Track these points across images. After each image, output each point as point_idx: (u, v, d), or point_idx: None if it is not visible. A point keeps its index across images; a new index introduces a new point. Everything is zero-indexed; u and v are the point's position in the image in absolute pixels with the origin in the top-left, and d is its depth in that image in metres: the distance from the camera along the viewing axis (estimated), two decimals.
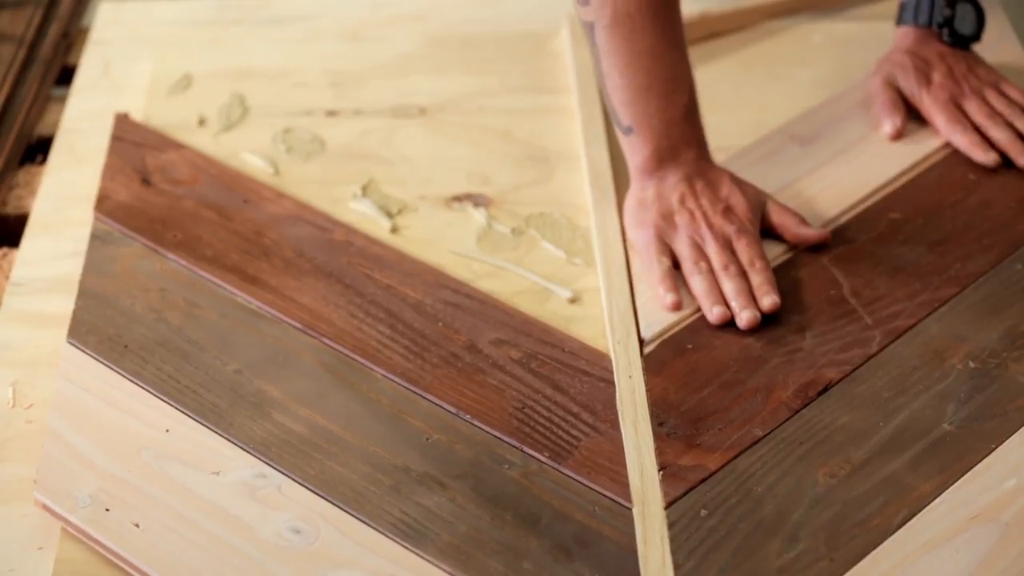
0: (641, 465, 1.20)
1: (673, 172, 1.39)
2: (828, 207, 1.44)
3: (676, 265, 1.37)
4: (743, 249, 1.36)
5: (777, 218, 1.40)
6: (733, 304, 1.32)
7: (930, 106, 1.52)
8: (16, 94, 1.67)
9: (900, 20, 1.58)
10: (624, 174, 1.48)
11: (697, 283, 1.34)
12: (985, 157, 1.47)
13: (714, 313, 1.32)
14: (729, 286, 1.33)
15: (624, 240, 1.41)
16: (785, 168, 1.49)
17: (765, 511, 1.16)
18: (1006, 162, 1.48)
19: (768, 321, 1.32)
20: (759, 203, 1.40)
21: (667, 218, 1.38)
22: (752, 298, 1.33)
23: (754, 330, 1.31)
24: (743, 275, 1.34)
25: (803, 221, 1.40)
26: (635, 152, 1.40)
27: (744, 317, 1.31)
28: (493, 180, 1.51)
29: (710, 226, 1.37)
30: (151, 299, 1.36)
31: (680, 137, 1.39)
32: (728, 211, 1.38)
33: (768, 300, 1.32)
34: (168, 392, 1.27)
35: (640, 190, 1.40)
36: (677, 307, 1.33)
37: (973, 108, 1.51)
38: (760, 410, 1.24)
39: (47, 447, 1.22)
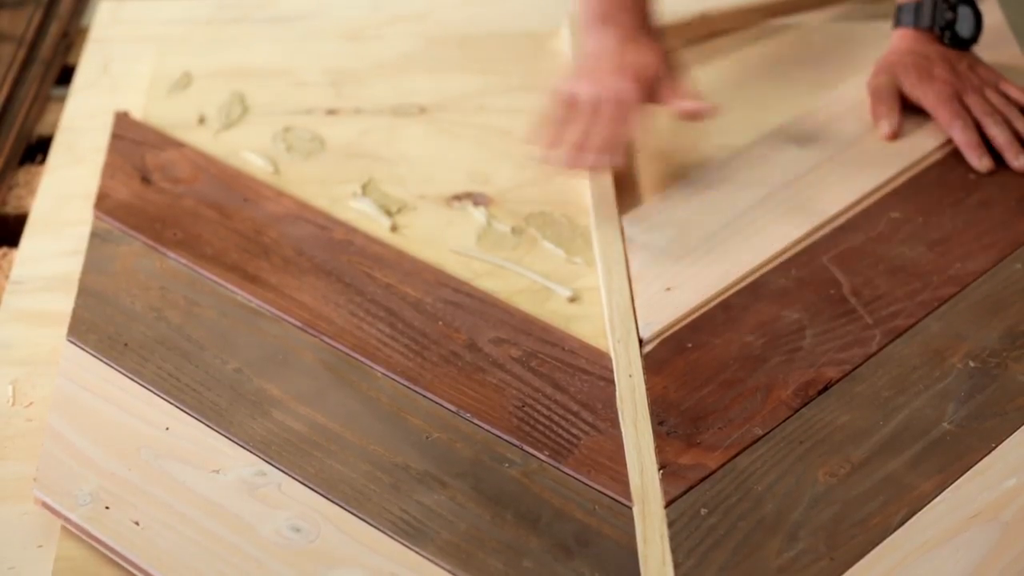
0: (641, 464, 1.20)
1: (609, 33, 1.48)
2: (828, 206, 1.44)
3: None
4: (606, 111, 1.44)
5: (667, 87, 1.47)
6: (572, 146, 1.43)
7: (933, 100, 1.51)
8: (16, 94, 1.66)
9: (898, 22, 1.58)
10: (623, 173, 1.48)
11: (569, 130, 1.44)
12: (979, 163, 1.48)
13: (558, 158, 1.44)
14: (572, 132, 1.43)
15: (624, 239, 1.41)
16: (785, 168, 1.49)
17: (765, 510, 1.16)
18: (1001, 161, 1.48)
19: (767, 320, 1.32)
20: (656, 68, 1.46)
21: (584, 73, 1.47)
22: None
23: (754, 329, 1.31)
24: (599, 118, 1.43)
25: (692, 93, 1.47)
26: (581, 5, 1.51)
27: (585, 162, 1.43)
28: (493, 179, 1.51)
29: (598, 80, 1.45)
30: (151, 297, 1.36)
31: (613, 3, 1.48)
32: (621, 70, 1.46)
33: (610, 159, 1.44)
34: (168, 390, 1.27)
35: (588, 43, 1.50)
36: (552, 146, 1.44)
37: (973, 103, 1.51)
38: (760, 409, 1.24)
39: (47, 445, 1.22)
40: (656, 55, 1.46)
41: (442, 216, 1.47)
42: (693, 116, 1.45)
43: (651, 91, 1.45)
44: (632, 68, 1.45)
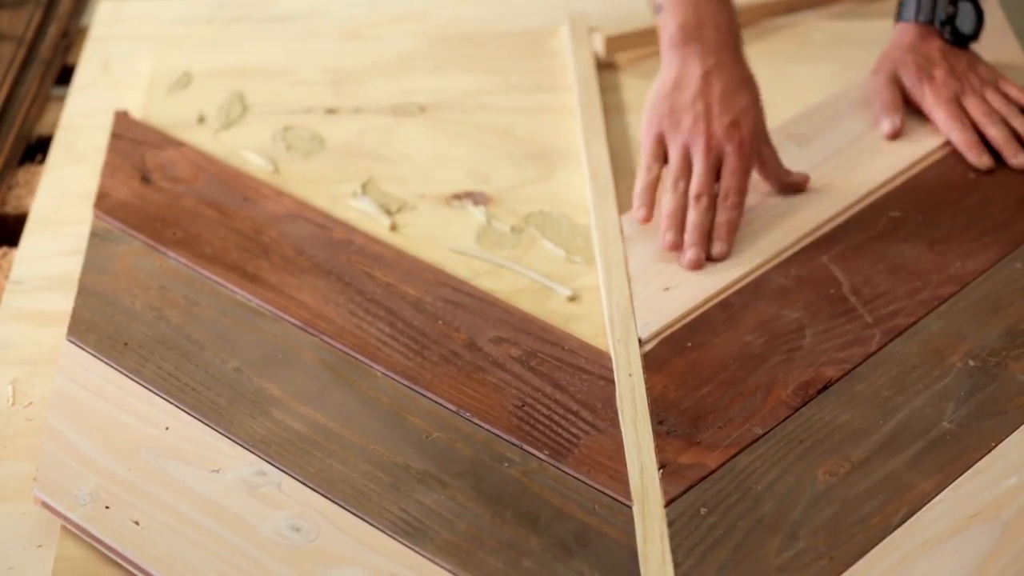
0: (641, 463, 1.20)
1: (696, 58, 1.40)
2: (828, 205, 1.44)
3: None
4: (728, 174, 1.38)
5: (767, 156, 1.42)
6: (686, 237, 1.36)
7: (932, 103, 1.52)
8: (16, 94, 1.67)
9: (900, 16, 1.58)
10: (623, 173, 1.49)
11: (667, 200, 1.38)
12: (978, 160, 1.48)
13: (666, 239, 1.37)
14: (692, 217, 1.37)
15: (623, 238, 1.41)
16: (785, 167, 1.49)
17: (765, 509, 1.16)
18: (1001, 161, 1.48)
19: (767, 319, 1.32)
20: (762, 132, 1.41)
21: (674, 114, 1.40)
22: (708, 237, 1.36)
23: (753, 328, 1.31)
24: (712, 208, 1.37)
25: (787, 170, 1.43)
26: (664, 29, 1.43)
27: (687, 256, 1.35)
28: (493, 178, 1.51)
29: (708, 137, 1.38)
30: (151, 297, 1.36)
31: (708, 15, 1.41)
32: (734, 126, 1.39)
33: (719, 247, 1.36)
34: (168, 390, 1.27)
35: (666, 68, 1.43)
36: (645, 221, 1.39)
37: (972, 105, 1.51)
38: (760, 408, 1.24)
39: (47, 445, 1.22)
40: (750, 94, 1.41)
41: (442, 215, 1.47)
42: (794, 188, 1.41)
43: (752, 157, 1.40)
44: (744, 124, 1.39)
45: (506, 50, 1.69)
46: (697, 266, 1.34)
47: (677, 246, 1.35)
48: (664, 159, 1.41)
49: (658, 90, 1.43)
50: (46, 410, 1.26)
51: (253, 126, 1.58)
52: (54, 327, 1.34)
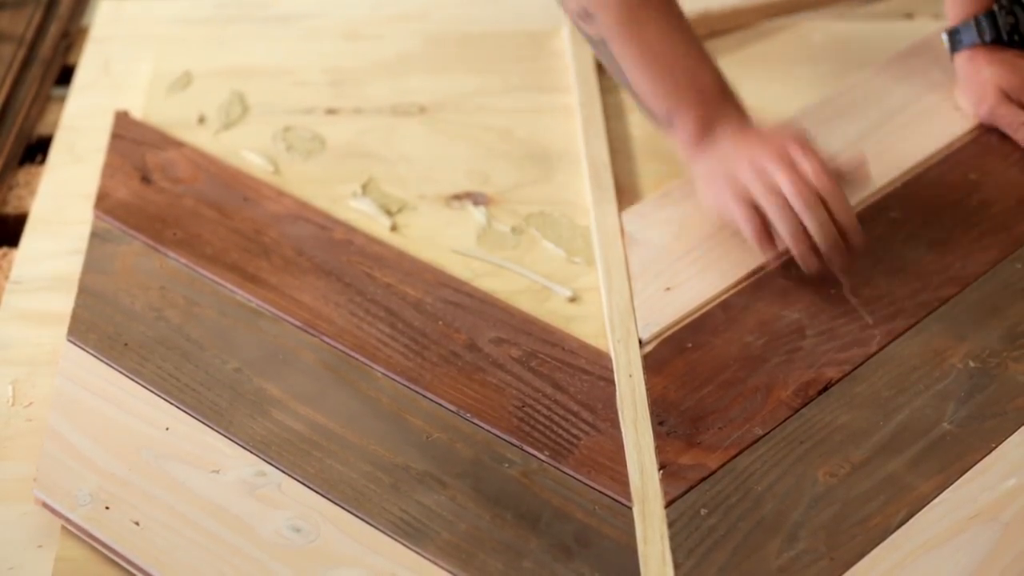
0: (641, 464, 1.20)
1: (723, 137, 1.37)
2: None
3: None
4: (814, 176, 1.33)
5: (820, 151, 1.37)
6: (823, 245, 1.32)
7: None
8: (16, 94, 1.67)
9: (960, 44, 1.54)
10: (623, 173, 1.49)
11: (782, 227, 1.33)
12: None
13: (807, 264, 1.33)
14: (813, 224, 1.32)
15: (624, 239, 1.41)
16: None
17: (765, 510, 1.16)
18: None
19: (767, 320, 1.32)
20: (806, 136, 1.37)
21: (731, 178, 1.35)
22: (834, 230, 1.32)
23: (754, 329, 1.31)
24: (818, 198, 1.32)
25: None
26: (682, 133, 1.38)
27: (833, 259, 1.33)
28: (493, 179, 1.51)
29: (778, 159, 1.34)
30: (151, 297, 1.36)
31: (718, 103, 1.38)
32: (783, 147, 1.35)
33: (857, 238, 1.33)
34: (168, 390, 1.27)
35: (701, 164, 1.38)
36: (777, 257, 1.35)
37: None
38: (760, 409, 1.24)
39: (47, 445, 1.22)
40: (768, 127, 1.38)
41: (442, 216, 1.47)
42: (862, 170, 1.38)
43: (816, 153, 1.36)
44: (774, 142, 1.36)
45: (506, 50, 1.69)
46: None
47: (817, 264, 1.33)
48: (751, 204, 1.35)
49: (705, 175, 1.38)
50: (46, 410, 1.26)
51: (253, 126, 1.58)
52: (54, 327, 1.34)
